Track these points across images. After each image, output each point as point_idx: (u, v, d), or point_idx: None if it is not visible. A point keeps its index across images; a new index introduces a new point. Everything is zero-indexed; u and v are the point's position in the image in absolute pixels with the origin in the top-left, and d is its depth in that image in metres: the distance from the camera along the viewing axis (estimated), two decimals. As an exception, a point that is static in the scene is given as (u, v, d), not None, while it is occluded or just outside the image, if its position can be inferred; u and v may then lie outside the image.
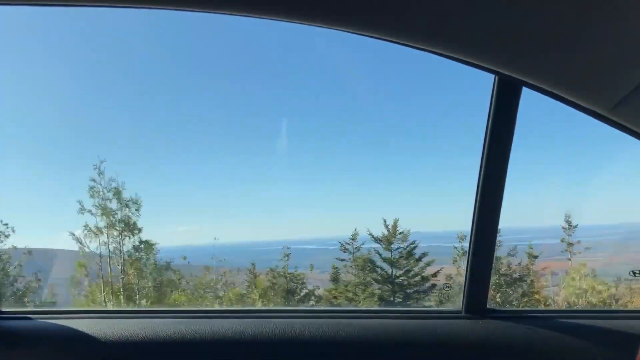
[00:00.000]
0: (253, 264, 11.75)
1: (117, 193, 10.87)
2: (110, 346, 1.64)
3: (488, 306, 1.73)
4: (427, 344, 1.63)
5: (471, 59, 1.15)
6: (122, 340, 1.64)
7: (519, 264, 11.39)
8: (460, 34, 1.06)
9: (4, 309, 1.82)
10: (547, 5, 0.94)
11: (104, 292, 10.83)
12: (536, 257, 11.41)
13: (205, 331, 1.65)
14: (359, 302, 11.04)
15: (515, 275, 11.34)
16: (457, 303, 1.94)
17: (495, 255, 1.68)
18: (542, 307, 10.76)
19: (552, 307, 11.04)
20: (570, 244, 11.61)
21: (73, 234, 10.74)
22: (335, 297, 11.54)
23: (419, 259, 11.40)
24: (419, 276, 11.37)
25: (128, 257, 11.08)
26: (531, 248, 11.44)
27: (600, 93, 1.16)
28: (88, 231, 10.75)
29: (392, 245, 11.41)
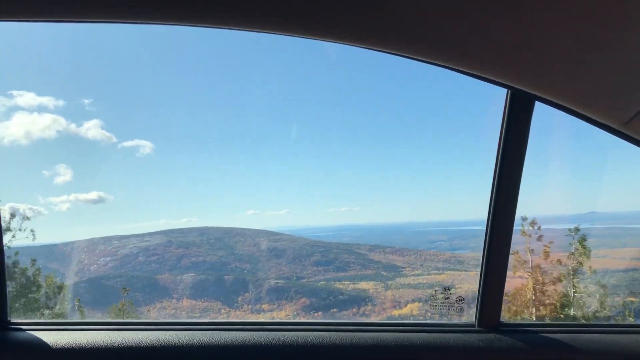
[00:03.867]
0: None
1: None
2: (124, 358, 1.65)
3: (501, 320, 1.72)
4: (439, 357, 1.61)
5: (485, 74, 1.17)
6: (137, 352, 1.65)
7: None
8: (474, 50, 1.08)
9: (14, 320, 1.83)
10: (561, 22, 0.95)
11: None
12: None
13: (218, 343, 1.65)
14: None
15: None
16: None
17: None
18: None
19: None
20: None
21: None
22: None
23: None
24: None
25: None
26: None
27: (614, 108, 1.17)
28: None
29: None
